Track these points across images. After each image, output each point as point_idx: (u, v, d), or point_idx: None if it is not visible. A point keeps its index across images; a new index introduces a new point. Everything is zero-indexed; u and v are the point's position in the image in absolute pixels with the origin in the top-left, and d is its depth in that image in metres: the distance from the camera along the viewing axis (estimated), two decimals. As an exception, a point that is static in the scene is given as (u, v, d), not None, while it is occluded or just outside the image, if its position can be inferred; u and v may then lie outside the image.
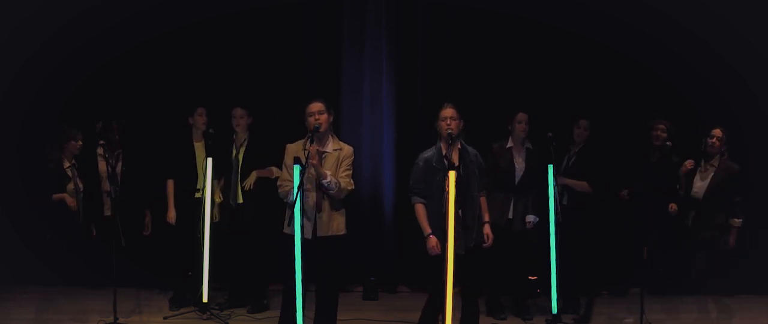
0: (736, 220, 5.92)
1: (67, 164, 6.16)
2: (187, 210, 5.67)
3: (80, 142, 6.16)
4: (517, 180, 5.53)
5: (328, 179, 4.45)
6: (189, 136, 5.76)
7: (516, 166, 5.54)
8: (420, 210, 4.53)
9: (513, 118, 5.57)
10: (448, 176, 4.13)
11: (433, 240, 4.43)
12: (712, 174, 5.92)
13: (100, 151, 6.01)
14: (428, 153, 4.62)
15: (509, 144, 5.60)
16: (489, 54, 6.47)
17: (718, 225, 5.95)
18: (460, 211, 4.42)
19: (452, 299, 4.16)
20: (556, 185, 5.28)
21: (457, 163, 4.45)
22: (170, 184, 5.72)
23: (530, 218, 5.53)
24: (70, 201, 6.10)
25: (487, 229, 4.69)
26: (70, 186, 6.14)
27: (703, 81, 6.29)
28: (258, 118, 5.78)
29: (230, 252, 5.76)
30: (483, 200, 4.74)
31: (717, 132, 5.90)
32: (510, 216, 5.53)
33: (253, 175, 5.62)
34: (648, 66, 6.36)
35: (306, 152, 4.41)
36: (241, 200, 5.62)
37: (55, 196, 6.10)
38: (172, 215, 5.69)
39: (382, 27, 6.48)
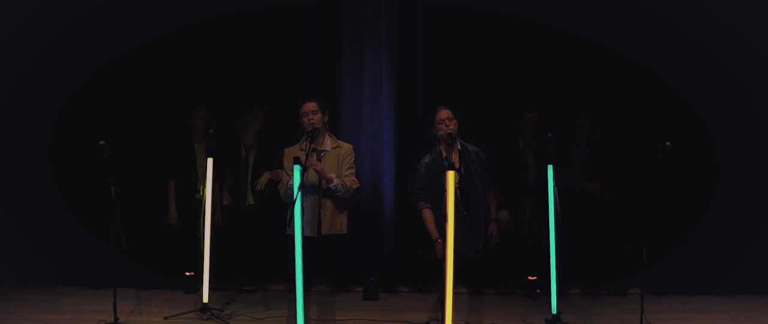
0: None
1: None
2: (187, 210, 5.67)
3: None
4: (530, 178, 5.54)
5: (335, 182, 4.44)
6: (189, 137, 5.76)
7: (529, 165, 5.55)
8: (427, 215, 4.51)
9: (523, 118, 5.57)
10: (446, 176, 4.14)
11: (440, 244, 4.40)
12: None
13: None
14: (428, 158, 4.61)
15: (521, 145, 5.60)
16: (489, 54, 6.46)
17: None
18: (465, 212, 4.41)
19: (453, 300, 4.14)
20: (555, 185, 5.28)
21: (457, 165, 4.44)
22: (171, 185, 5.74)
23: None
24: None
25: (493, 227, 4.61)
26: None
27: (703, 81, 6.29)
28: (267, 121, 5.80)
29: (231, 252, 5.77)
30: (492, 197, 4.66)
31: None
32: (526, 216, 5.52)
33: (266, 176, 5.63)
34: (648, 66, 6.36)
35: (305, 153, 4.41)
36: (252, 201, 5.63)
37: None
38: (173, 216, 5.71)
39: (382, 27, 6.48)
